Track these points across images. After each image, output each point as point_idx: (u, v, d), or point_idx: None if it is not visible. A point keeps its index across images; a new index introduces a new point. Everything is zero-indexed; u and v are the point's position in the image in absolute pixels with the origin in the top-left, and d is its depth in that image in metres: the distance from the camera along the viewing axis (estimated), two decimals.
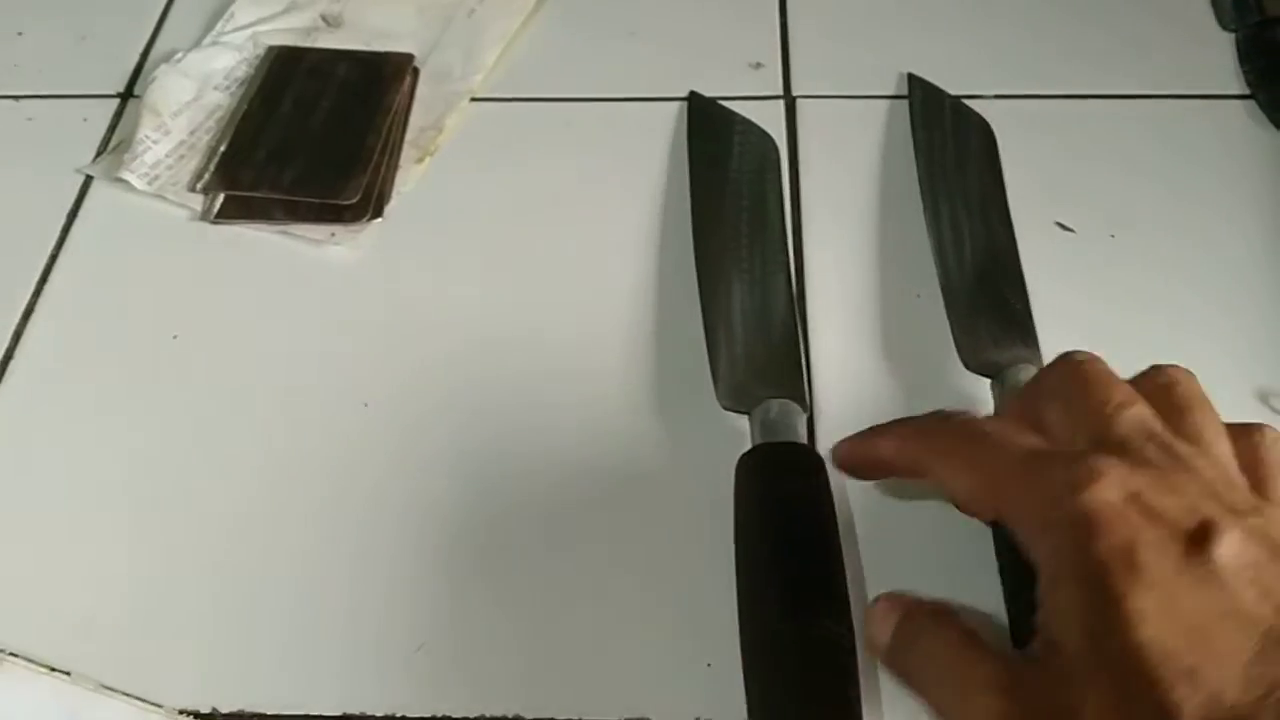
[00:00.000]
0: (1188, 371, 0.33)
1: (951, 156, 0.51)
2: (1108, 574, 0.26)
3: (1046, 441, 0.31)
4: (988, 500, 0.31)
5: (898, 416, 0.42)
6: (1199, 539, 0.26)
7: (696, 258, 0.48)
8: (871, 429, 0.36)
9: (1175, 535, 0.26)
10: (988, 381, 0.42)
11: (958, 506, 0.33)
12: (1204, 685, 0.25)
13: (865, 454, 0.36)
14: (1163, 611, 0.25)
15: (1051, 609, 0.28)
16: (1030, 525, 0.29)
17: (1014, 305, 0.45)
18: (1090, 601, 0.26)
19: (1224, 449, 0.30)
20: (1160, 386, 0.32)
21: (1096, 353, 0.35)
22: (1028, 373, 0.41)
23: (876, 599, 0.33)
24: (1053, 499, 0.28)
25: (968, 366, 0.43)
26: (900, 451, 0.34)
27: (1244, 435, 0.31)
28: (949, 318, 0.45)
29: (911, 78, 0.54)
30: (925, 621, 0.31)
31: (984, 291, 0.46)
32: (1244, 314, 0.46)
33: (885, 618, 0.32)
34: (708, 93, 0.54)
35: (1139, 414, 0.30)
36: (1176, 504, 0.27)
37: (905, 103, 0.53)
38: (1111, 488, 0.27)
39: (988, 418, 0.32)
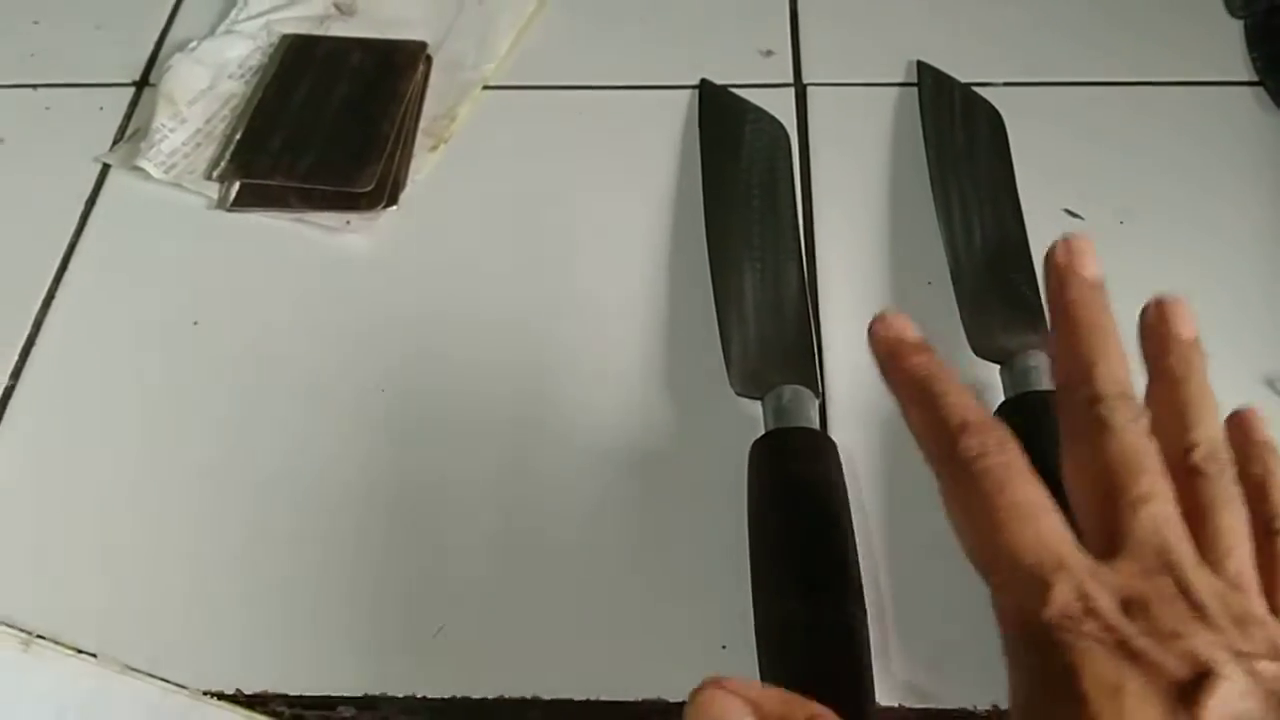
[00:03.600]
0: (1226, 462, 0.29)
1: (961, 144, 0.51)
2: (1091, 713, 0.24)
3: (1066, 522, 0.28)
4: (981, 569, 0.28)
5: None
6: (1190, 691, 0.24)
7: (709, 245, 0.48)
8: (926, 379, 0.31)
9: (1164, 685, 0.24)
10: (997, 367, 0.42)
11: None
12: None
13: (892, 384, 0.32)
14: None
15: None
16: (1013, 629, 0.27)
17: (1023, 292, 0.45)
18: None
19: (1241, 560, 0.28)
20: (1191, 473, 0.29)
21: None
22: (1037, 359, 0.41)
23: (703, 685, 0.26)
24: (1044, 621, 0.26)
25: (977, 353, 0.43)
26: (922, 435, 0.30)
27: (1268, 543, 0.28)
28: (959, 304, 0.45)
29: (921, 65, 0.54)
30: None
31: (994, 278, 0.46)
32: (1252, 300, 0.46)
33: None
34: (718, 80, 0.54)
35: (1156, 514, 0.27)
36: (1170, 649, 0.25)
37: (915, 90, 0.54)
38: (1104, 632, 0.25)
39: (1022, 479, 0.28)
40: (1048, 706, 0.25)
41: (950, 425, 0.29)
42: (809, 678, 0.35)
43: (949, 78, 0.54)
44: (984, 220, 0.48)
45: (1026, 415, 0.40)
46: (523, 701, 0.37)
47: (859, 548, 0.38)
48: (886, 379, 0.32)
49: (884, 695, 0.36)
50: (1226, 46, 0.55)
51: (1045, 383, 0.41)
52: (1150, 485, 0.28)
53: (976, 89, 0.53)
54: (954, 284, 0.46)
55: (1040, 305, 0.45)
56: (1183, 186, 0.50)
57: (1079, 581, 0.26)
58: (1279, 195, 0.49)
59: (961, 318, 0.45)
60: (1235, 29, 0.55)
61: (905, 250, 0.48)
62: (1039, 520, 0.27)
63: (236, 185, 0.51)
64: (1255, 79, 0.53)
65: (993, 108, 0.52)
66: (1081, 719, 0.24)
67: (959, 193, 0.49)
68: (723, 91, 0.54)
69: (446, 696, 0.37)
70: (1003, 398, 0.41)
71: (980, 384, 0.43)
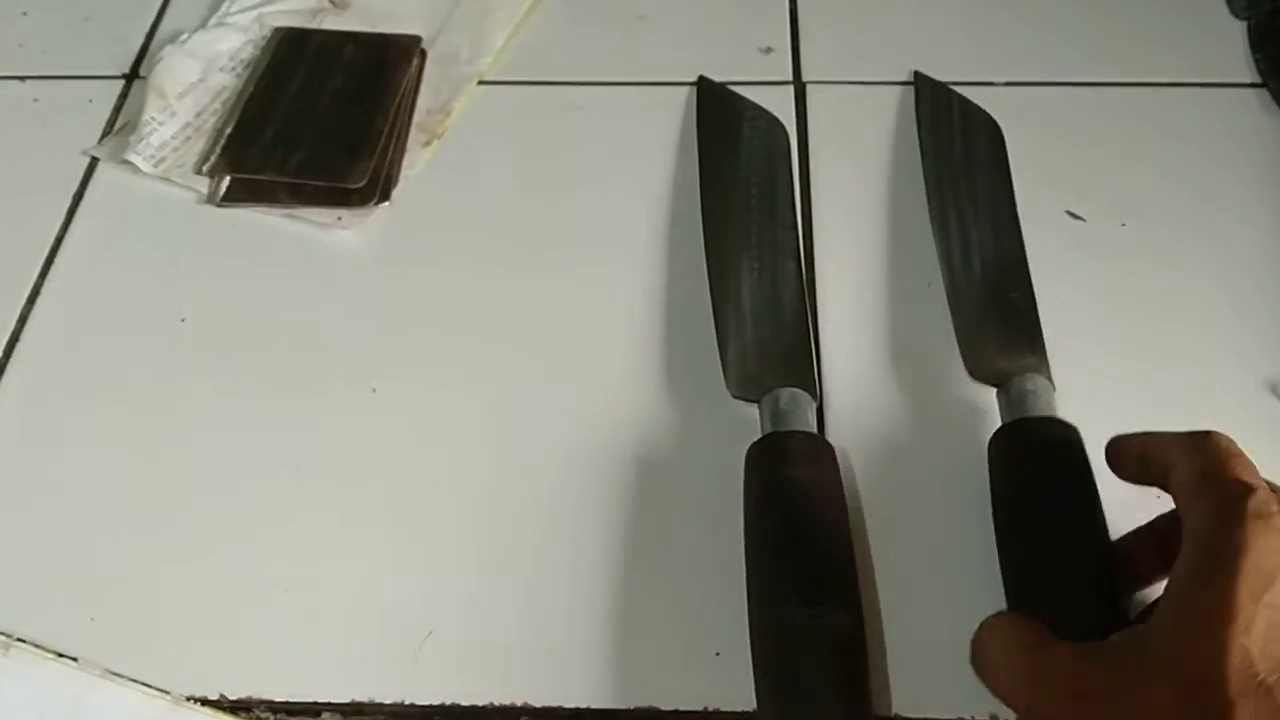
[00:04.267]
0: None
1: (959, 160, 0.50)
2: (1239, 580, 0.29)
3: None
4: (1190, 496, 0.32)
5: (908, 406, 0.43)
6: None
7: (706, 244, 0.47)
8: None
9: None
10: (993, 390, 0.41)
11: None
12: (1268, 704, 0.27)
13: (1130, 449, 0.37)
14: (1269, 631, 0.28)
15: (1174, 593, 0.31)
16: (1207, 522, 0.31)
17: (1021, 311, 0.44)
18: (1212, 598, 0.29)
19: None
20: None
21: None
22: (1034, 383, 0.40)
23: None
24: (1241, 509, 0.30)
25: (973, 375, 0.42)
26: (1170, 439, 0.34)
27: None
28: (955, 327, 0.44)
29: (919, 76, 0.53)
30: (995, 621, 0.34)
31: (990, 300, 0.45)
32: (1253, 303, 0.46)
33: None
34: (717, 77, 0.54)
35: None
36: None
37: (914, 90, 0.53)
38: None
39: (1249, 461, 0.32)
40: (1210, 557, 0.30)
41: (1202, 432, 0.34)
42: (804, 685, 0.34)
43: (947, 89, 0.53)
44: (982, 240, 0.47)
45: (1024, 441, 0.39)
46: (512, 709, 0.37)
47: (855, 553, 0.38)
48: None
49: (880, 704, 0.36)
50: (1229, 48, 0.54)
51: (1042, 407, 0.39)
52: None
53: (977, 89, 0.53)
54: (951, 306, 0.45)
55: (1038, 325, 0.44)
56: (1185, 189, 0.49)
57: (1277, 496, 0.31)
58: None
59: (958, 341, 0.44)
60: (1238, 30, 0.55)
61: (905, 251, 0.48)
62: (1254, 470, 0.32)
63: (226, 180, 0.50)
64: (1258, 81, 0.53)
65: (992, 120, 0.51)
66: (1232, 575, 0.29)
67: (956, 211, 0.48)
68: (721, 89, 0.53)
69: (435, 703, 0.37)
70: (999, 423, 0.40)
71: (976, 403, 0.42)
